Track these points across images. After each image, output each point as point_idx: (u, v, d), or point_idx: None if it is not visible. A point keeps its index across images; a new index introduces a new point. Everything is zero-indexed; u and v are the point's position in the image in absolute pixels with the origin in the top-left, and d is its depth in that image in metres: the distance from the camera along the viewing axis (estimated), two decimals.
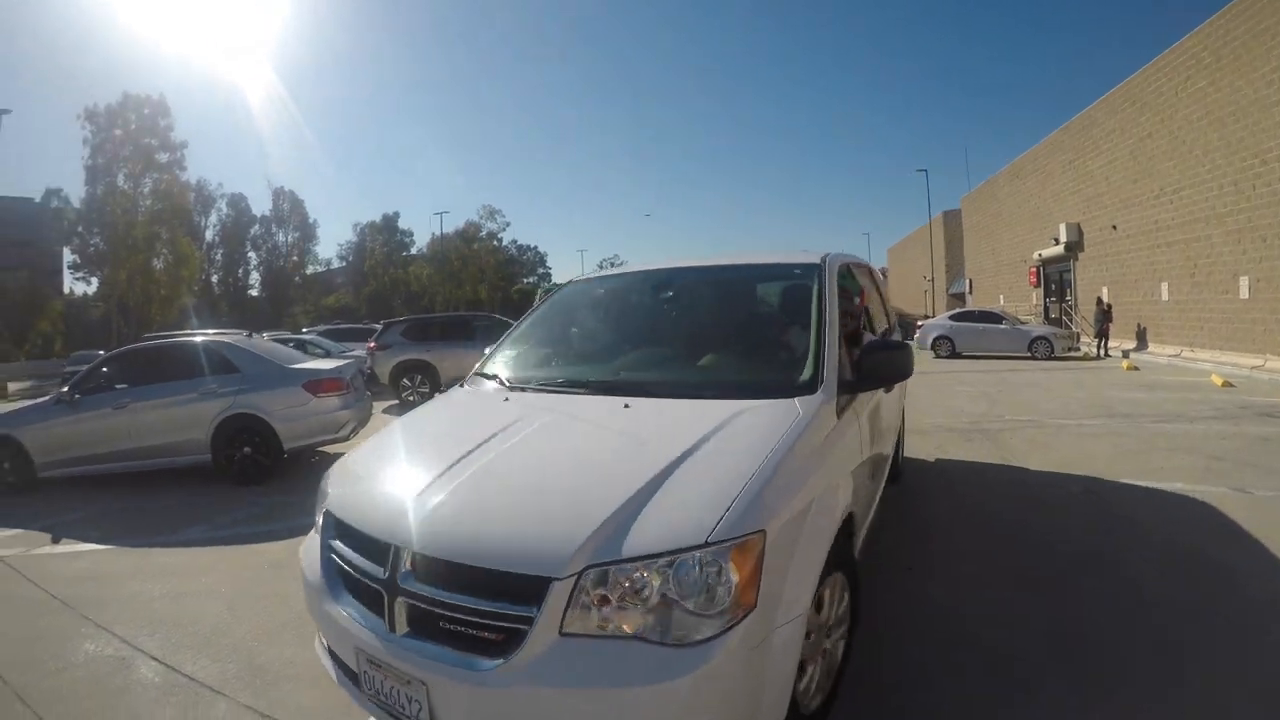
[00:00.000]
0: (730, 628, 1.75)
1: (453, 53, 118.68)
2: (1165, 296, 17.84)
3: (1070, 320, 23.80)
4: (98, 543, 5.34)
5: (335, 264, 71.30)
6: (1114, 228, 20.37)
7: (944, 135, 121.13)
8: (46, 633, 3.72)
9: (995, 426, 8.33)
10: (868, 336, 3.65)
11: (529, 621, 1.76)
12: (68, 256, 44.35)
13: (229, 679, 3.08)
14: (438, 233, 65.51)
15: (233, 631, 3.58)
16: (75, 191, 42.85)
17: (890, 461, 4.56)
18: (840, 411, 2.65)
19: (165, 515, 6.02)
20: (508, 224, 71.91)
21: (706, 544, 1.78)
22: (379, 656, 1.98)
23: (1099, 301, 20.06)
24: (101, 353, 9.67)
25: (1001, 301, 29.89)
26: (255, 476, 7.00)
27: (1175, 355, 16.54)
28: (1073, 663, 2.84)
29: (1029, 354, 19.01)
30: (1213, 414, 8.64)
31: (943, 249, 44.46)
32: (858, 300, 3.74)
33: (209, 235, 61.55)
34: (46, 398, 7.69)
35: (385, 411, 11.25)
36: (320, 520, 2.52)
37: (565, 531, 1.85)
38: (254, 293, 65.17)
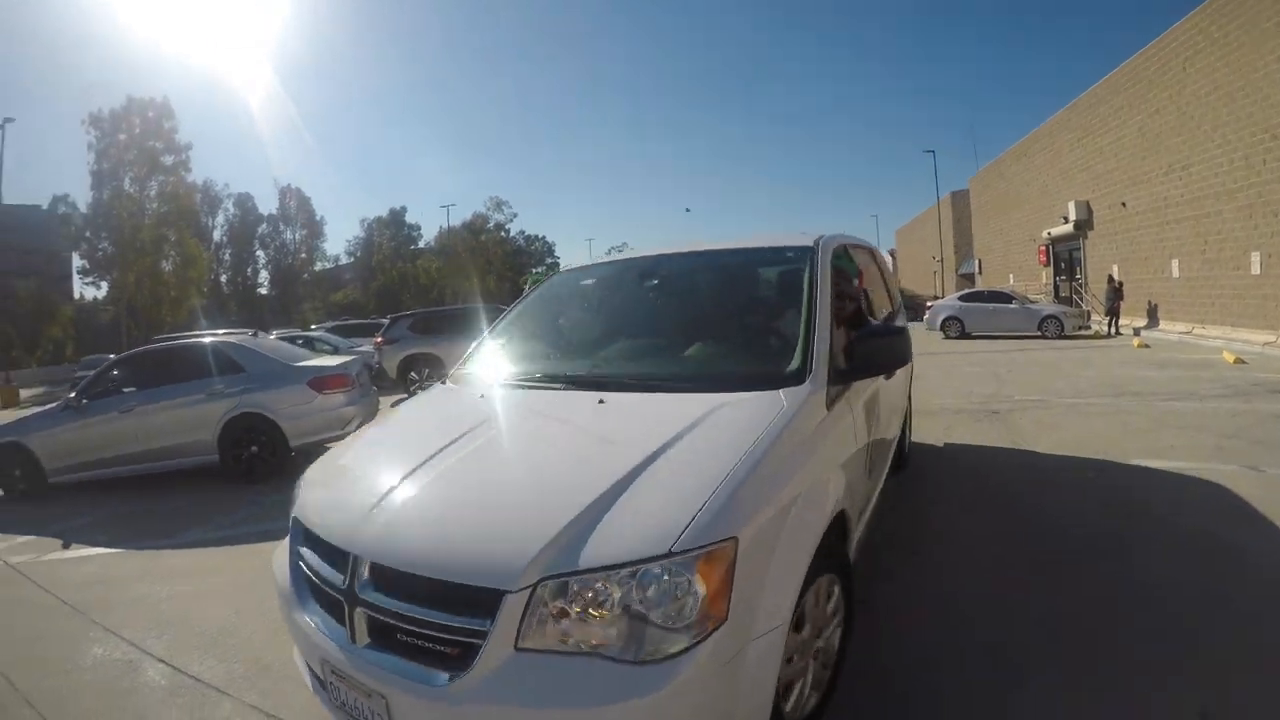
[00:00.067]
0: (699, 642, 1.65)
1: (455, 46, 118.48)
2: (1176, 273, 17.63)
3: (1080, 299, 23.59)
4: (106, 546, 5.39)
5: (344, 260, 71.37)
6: (1123, 205, 20.13)
7: (950, 116, 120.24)
8: (55, 636, 3.76)
9: (1004, 407, 8.25)
10: (873, 322, 3.59)
11: (484, 635, 1.68)
12: (76, 261, 44.43)
13: (235, 679, 3.09)
14: (445, 226, 65.63)
15: (239, 632, 3.59)
16: (81, 197, 42.92)
17: (895, 449, 4.40)
18: (832, 402, 2.51)
19: (173, 517, 6.06)
20: (515, 215, 71.62)
21: (670, 554, 1.67)
22: (342, 668, 1.92)
23: (1110, 279, 19.85)
24: (112, 356, 9.74)
25: (1011, 281, 29.61)
26: (262, 476, 7.04)
27: (1186, 332, 16.36)
28: (1078, 648, 2.80)
29: (1039, 333, 18.84)
30: (1224, 391, 8.54)
31: (951, 229, 44.10)
32: (856, 282, 3.59)
33: (217, 235, 61.75)
34: (55, 404, 7.75)
35: (394, 406, 11.26)
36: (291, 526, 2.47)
37: (519, 541, 1.76)
38: (263, 291, 65.35)
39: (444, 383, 3.34)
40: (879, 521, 3.56)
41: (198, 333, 11.59)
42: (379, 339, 14.37)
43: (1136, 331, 18.18)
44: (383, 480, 2.20)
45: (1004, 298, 20.81)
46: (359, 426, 7.71)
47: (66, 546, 5.47)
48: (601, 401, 2.52)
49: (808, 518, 2.07)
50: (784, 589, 1.88)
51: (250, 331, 9.92)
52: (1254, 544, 3.73)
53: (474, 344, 3.59)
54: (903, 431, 5.08)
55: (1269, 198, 13.91)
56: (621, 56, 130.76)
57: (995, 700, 2.51)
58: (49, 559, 5.22)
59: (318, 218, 66.48)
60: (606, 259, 4.27)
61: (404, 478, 2.16)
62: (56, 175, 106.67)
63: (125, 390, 7.35)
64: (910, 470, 5.42)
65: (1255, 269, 14.43)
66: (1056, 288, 26.24)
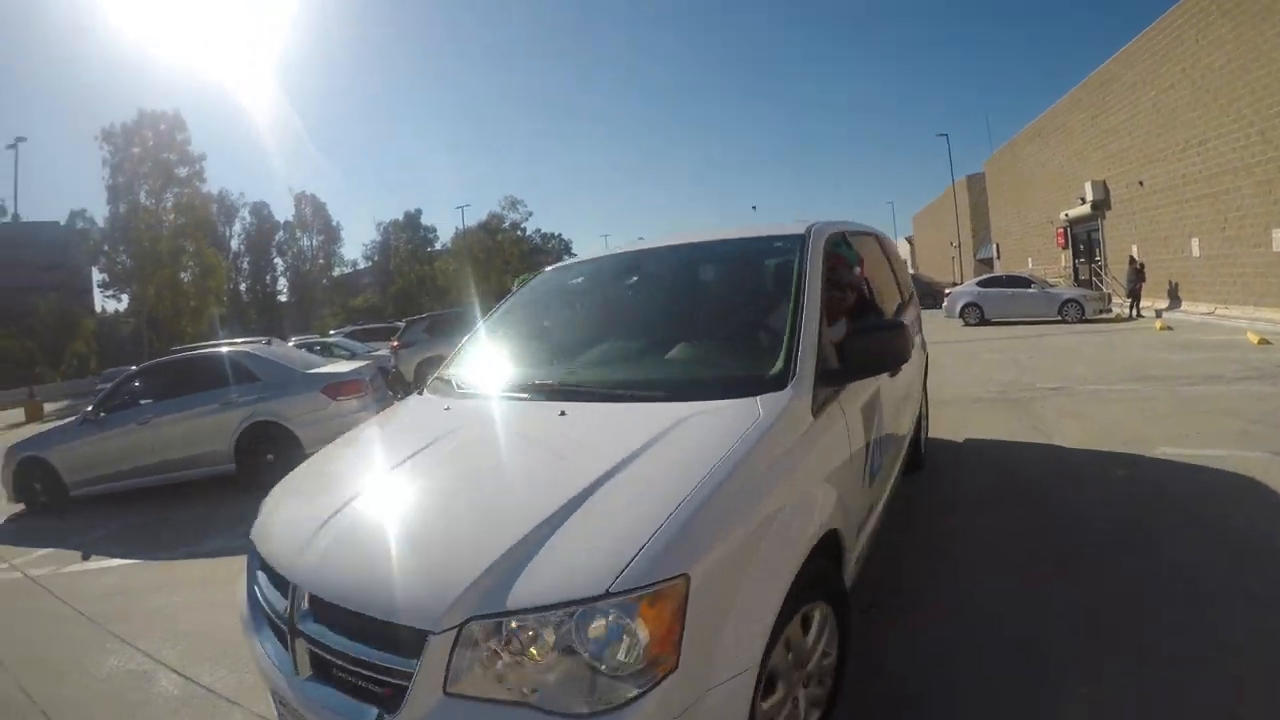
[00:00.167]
0: (645, 692, 1.46)
1: (465, 44, 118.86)
2: (1196, 252, 17.26)
3: (1100, 281, 23.21)
4: (125, 558, 5.45)
5: (361, 264, 71.80)
6: (1140, 183, 19.75)
7: (963, 100, 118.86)
8: (72, 648, 3.80)
9: (1025, 395, 8.12)
10: (886, 315, 3.45)
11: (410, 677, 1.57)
12: (96, 275, 45.12)
13: (245, 689, 3.09)
14: (460, 227, 65.74)
15: None
16: (99, 211, 43.67)
17: (907, 449, 4.12)
18: (820, 408, 2.27)
19: (189, 527, 6.12)
20: (530, 213, 71.16)
21: (609, 594, 1.47)
22: (286, 697, 1.83)
23: (1131, 260, 19.48)
24: (132, 368, 9.90)
25: (1030, 264, 29.23)
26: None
27: (1209, 313, 16.04)
28: (1101, 644, 2.73)
29: (1059, 318, 18.54)
30: (1249, 374, 8.33)
31: (968, 214, 43.60)
32: (858, 271, 3.37)
33: (234, 244, 62.54)
34: (74, 418, 7.84)
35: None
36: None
37: (445, 577, 1.61)
38: (283, 298, 66.10)
39: (420, 392, 3.16)
40: (890, 522, 3.48)
41: (213, 342, 11.72)
42: (395, 343, 14.42)
43: (1158, 313, 17.84)
44: (329, 503, 2.09)
45: (1023, 282, 20.49)
46: None
47: (86, 558, 5.53)
48: (563, 414, 2.32)
49: (785, 544, 1.84)
50: (751, 629, 1.67)
51: (264, 339, 10.00)
52: None
53: (453, 351, 3.39)
54: (918, 429, 4.77)
55: None
56: (635, 50, 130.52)
57: (1028, 696, 2.45)
58: (69, 571, 5.28)
59: (334, 223, 67.08)
60: (591, 256, 4.06)
61: (349, 501, 2.06)
62: (73, 191, 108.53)
63: (142, 402, 7.44)
64: (927, 469, 5.20)
65: (1276, 246, 14.08)
66: (1076, 270, 25.83)
